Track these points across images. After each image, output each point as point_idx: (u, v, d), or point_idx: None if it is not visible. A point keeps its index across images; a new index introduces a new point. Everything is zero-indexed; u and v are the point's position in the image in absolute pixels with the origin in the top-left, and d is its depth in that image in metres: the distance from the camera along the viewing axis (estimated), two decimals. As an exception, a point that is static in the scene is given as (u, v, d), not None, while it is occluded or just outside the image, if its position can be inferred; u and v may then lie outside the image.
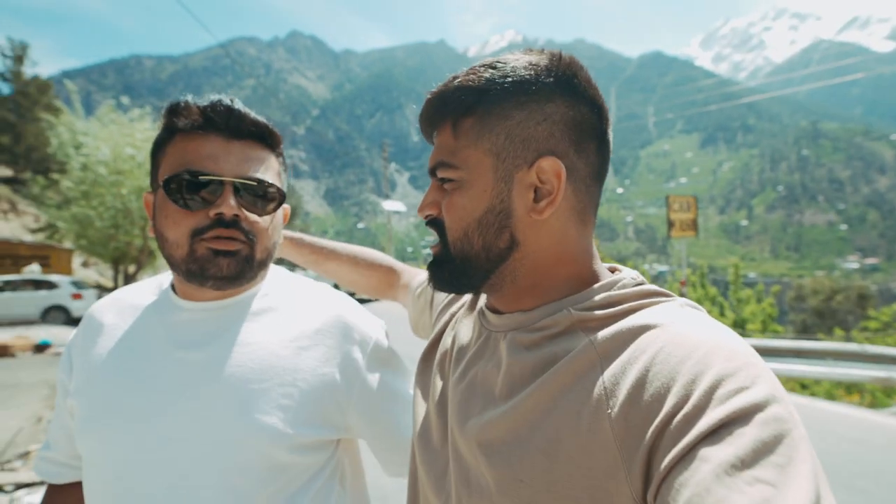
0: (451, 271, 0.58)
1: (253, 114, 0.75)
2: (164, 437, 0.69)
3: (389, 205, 28.36)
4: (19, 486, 3.29)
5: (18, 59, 32.84)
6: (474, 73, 0.54)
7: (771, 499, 0.34)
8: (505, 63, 0.54)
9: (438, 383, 0.66)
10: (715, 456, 0.36)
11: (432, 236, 0.59)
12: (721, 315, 12.76)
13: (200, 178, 0.69)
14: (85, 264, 26.18)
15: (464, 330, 0.68)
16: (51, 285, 13.32)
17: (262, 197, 0.74)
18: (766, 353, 6.80)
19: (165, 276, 0.85)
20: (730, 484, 0.35)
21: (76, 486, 0.84)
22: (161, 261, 18.87)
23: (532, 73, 0.53)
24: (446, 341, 0.70)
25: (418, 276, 1.01)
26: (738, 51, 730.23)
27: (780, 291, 13.51)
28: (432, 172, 0.58)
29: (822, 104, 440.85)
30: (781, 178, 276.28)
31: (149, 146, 13.11)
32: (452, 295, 0.79)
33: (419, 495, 0.65)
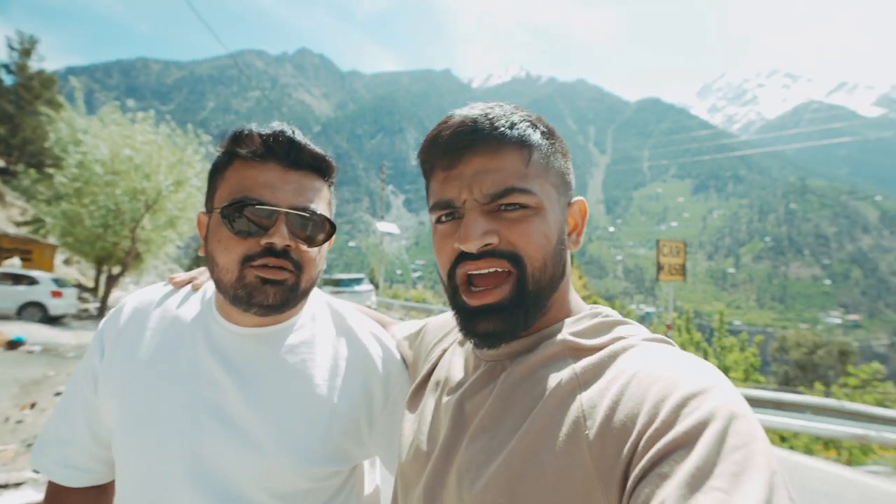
0: (526, 311, 0.56)
1: (312, 145, 0.75)
2: (198, 454, 0.71)
3: (384, 226, 28.45)
4: (-20, 489, 3.17)
5: (26, 52, 32.98)
6: (530, 115, 0.60)
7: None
8: (533, 115, 0.62)
9: (428, 415, 0.66)
10: (676, 471, 0.38)
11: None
12: (704, 361, 12.75)
13: (256, 206, 0.70)
14: (67, 262, 25.71)
15: (458, 363, 0.68)
16: (31, 280, 13.04)
17: (314, 227, 0.74)
18: (747, 402, 6.79)
19: (210, 287, 0.85)
20: (687, 496, 0.37)
21: (90, 491, 0.81)
22: (146, 263, 18.62)
23: (553, 128, 0.63)
24: (439, 375, 0.71)
25: (405, 325, 1.00)
26: (732, 104, 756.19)
27: (763, 341, 13.64)
28: (493, 198, 0.56)
29: (810, 161, 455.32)
30: (769, 230, 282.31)
31: (148, 149, 13.21)
32: (444, 332, 0.81)
33: None
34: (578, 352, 0.54)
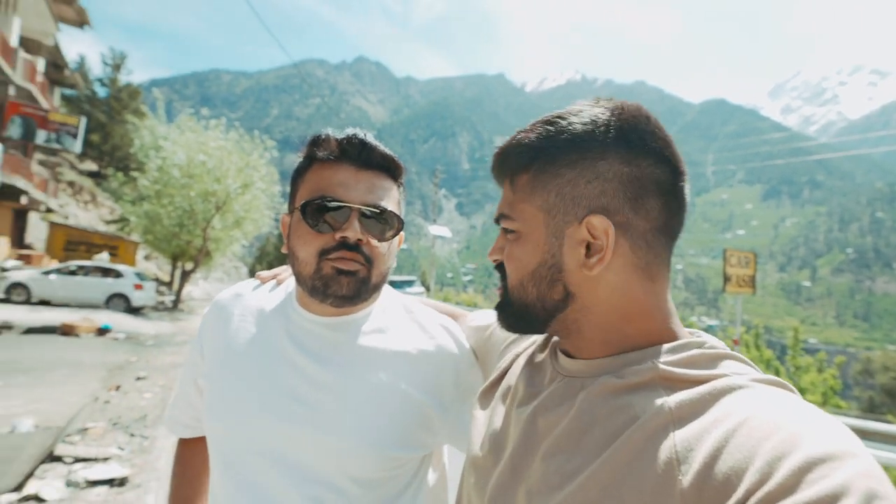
0: (511, 314, 0.61)
1: (382, 147, 0.81)
2: (279, 433, 0.76)
3: (436, 229, 28.71)
4: (78, 460, 3.51)
5: (116, 67, 36.43)
6: (533, 130, 0.57)
7: None
8: (564, 118, 0.55)
9: (497, 421, 0.65)
10: None
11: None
12: (775, 380, 11.88)
13: (330, 203, 0.76)
14: (147, 257, 27.97)
15: (532, 370, 0.67)
16: (117, 274, 14.29)
17: (384, 223, 0.80)
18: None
19: (292, 282, 0.93)
20: None
21: (201, 441, 0.99)
22: (215, 260, 19.88)
23: (589, 129, 0.54)
24: (510, 380, 0.69)
25: (475, 316, 1.02)
26: (809, 104, 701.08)
27: (844, 363, 12.50)
28: (497, 221, 0.62)
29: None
30: (851, 240, 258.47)
31: (219, 154, 14.12)
32: (516, 335, 0.79)
33: None
34: (672, 382, 0.49)
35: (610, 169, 0.53)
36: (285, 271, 0.99)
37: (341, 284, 0.76)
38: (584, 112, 0.55)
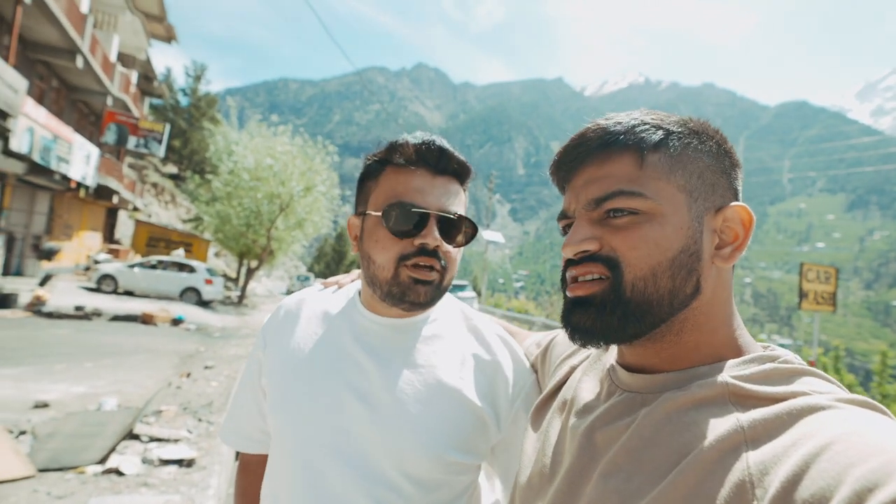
0: (622, 316, 0.51)
1: (457, 153, 0.82)
2: (342, 428, 0.78)
3: (489, 234, 28.63)
4: (153, 439, 3.83)
5: (197, 77, 39.48)
6: (656, 115, 0.55)
7: None
8: (669, 116, 0.56)
9: (553, 435, 0.62)
10: None
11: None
12: (858, 408, 10.81)
13: (412, 209, 0.77)
14: (217, 254, 29.99)
15: (588, 384, 0.63)
16: (191, 269, 15.40)
17: (459, 229, 0.82)
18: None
19: (352, 288, 0.97)
20: None
21: (263, 464, 0.94)
22: (277, 259, 20.95)
23: (704, 129, 0.55)
24: (566, 394, 0.66)
25: (533, 335, 0.99)
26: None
27: (942, 393, 11.14)
28: (597, 203, 0.53)
29: None
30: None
31: (284, 158, 14.79)
32: (574, 347, 0.76)
33: None
34: (744, 399, 0.45)
35: (734, 167, 0.55)
36: (345, 278, 1.04)
37: (419, 293, 0.77)
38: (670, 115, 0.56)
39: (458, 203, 0.82)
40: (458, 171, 0.83)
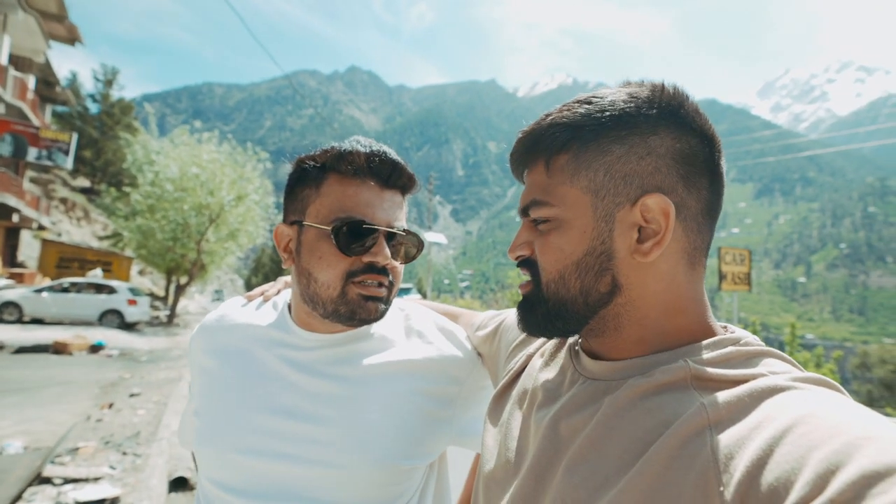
0: (544, 314, 0.54)
1: (407, 166, 0.77)
2: (281, 454, 0.72)
3: (431, 236, 28.71)
4: (67, 481, 3.44)
5: (108, 82, 36.44)
6: (568, 109, 0.52)
7: None
8: (601, 97, 0.52)
9: (515, 427, 0.61)
10: None
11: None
12: (774, 377, 11.88)
13: (364, 226, 0.72)
14: (141, 272, 27.81)
15: (549, 373, 0.62)
16: (110, 290, 14.15)
17: (408, 245, 0.80)
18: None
19: (280, 299, 0.89)
20: None
21: None
22: (210, 274, 19.80)
23: (633, 104, 0.50)
24: (525, 384, 0.64)
25: (478, 317, 0.99)
26: (798, 101, 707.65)
27: (842, 357, 12.51)
28: (524, 212, 0.56)
29: (891, 160, 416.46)
30: (844, 236, 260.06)
31: (212, 167, 13.92)
32: (525, 335, 0.75)
33: None
34: (706, 382, 0.44)
35: (662, 144, 0.49)
36: (270, 288, 0.95)
37: (369, 311, 0.74)
38: (622, 90, 0.52)
39: (403, 216, 0.79)
40: (406, 186, 0.79)
